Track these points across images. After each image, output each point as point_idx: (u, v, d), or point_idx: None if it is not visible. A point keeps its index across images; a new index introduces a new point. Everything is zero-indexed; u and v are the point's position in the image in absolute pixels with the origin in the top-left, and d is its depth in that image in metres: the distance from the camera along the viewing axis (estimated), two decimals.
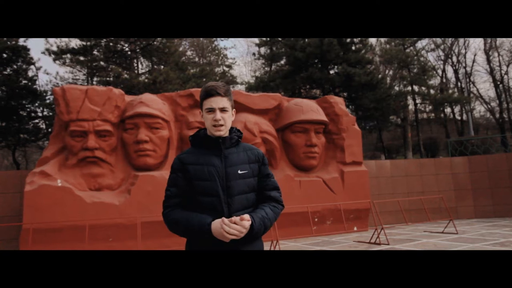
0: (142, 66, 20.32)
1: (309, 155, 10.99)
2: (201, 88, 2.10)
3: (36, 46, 26.65)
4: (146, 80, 16.33)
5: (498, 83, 25.62)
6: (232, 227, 1.76)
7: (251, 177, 2.00)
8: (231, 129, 2.06)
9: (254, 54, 25.19)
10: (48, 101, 16.54)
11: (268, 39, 22.47)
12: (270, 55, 23.12)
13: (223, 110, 1.96)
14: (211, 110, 1.96)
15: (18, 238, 8.64)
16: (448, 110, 26.42)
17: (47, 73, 31.78)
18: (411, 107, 24.45)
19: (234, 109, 2.08)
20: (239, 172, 1.95)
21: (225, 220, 1.79)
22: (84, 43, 16.69)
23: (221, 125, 1.95)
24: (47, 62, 45.33)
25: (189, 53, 28.03)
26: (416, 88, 22.86)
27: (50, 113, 16.44)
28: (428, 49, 25.78)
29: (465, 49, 27.67)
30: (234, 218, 1.79)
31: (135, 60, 18.62)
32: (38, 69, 17.20)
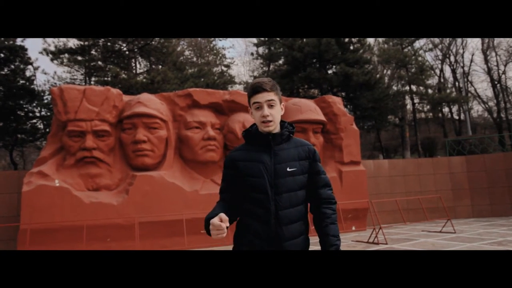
0: (140, 66, 20.30)
1: None
2: (248, 86, 2.11)
3: (33, 46, 26.59)
4: (144, 80, 16.30)
5: (496, 82, 25.70)
6: (213, 227, 1.77)
7: (301, 174, 1.98)
8: (283, 124, 2.05)
9: (252, 54, 25.20)
10: (45, 101, 16.49)
11: (266, 39, 22.46)
12: (268, 55, 23.12)
13: (270, 105, 1.95)
14: (259, 106, 1.96)
15: (15, 238, 8.61)
16: (446, 109, 26.48)
17: (45, 73, 31.68)
18: (409, 106, 24.51)
19: (283, 103, 2.06)
20: (288, 169, 1.95)
21: (214, 221, 1.78)
22: (82, 43, 16.65)
23: (270, 121, 1.95)
24: (44, 62, 45.23)
25: (187, 53, 27.99)
26: (414, 87, 22.90)
27: (48, 113, 16.40)
28: (426, 49, 25.85)
29: (463, 49, 27.79)
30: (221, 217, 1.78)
31: (133, 60, 18.59)
32: (35, 69, 17.14)
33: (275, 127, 1.99)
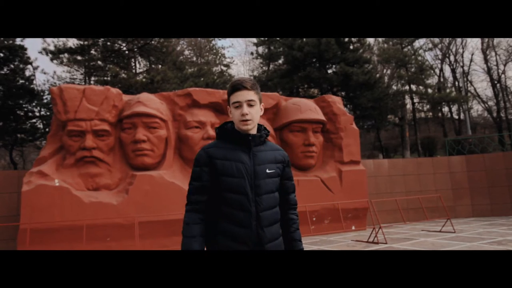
0: (140, 65, 20.28)
1: (307, 154, 11.00)
2: (228, 85, 2.09)
3: (33, 45, 26.53)
4: (144, 80, 16.29)
5: (496, 82, 25.70)
6: None
7: (277, 177, 1.99)
8: (260, 127, 2.03)
9: (252, 53, 25.19)
10: (45, 101, 16.48)
11: (266, 38, 22.45)
12: (268, 55, 23.11)
13: (250, 104, 1.93)
14: (239, 105, 1.93)
15: (15, 238, 8.61)
16: (445, 109, 26.49)
17: (45, 73, 31.67)
18: (408, 106, 24.50)
19: (262, 104, 2.04)
20: (267, 171, 1.94)
21: None
22: (82, 42, 16.63)
23: (249, 120, 1.92)
24: (44, 61, 45.20)
25: (186, 52, 27.98)
26: (413, 87, 22.90)
27: (48, 113, 16.38)
28: (425, 48, 25.85)
29: (463, 48, 27.76)
30: None
31: (132, 60, 18.58)
32: (35, 68, 17.12)
33: (253, 127, 1.96)
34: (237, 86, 1.93)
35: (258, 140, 1.98)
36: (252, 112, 1.93)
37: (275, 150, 2.04)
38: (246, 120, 1.91)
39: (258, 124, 2.02)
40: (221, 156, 1.91)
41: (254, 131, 1.98)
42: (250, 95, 1.93)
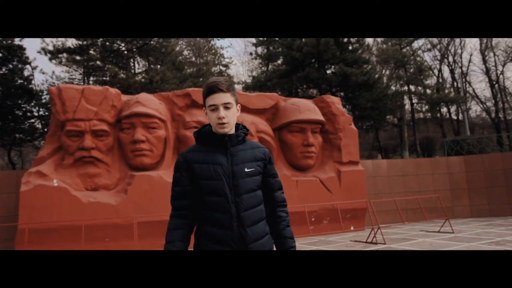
0: (139, 65, 20.27)
1: (306, 154, 11.00)
2: (203, 85, 2.04)
3: (32, 45, 26.55)
4: (142, 80, 16.28)
5: (494, 83, 25.74)
6: None
7: (258, 175, 1.96)
8: (237, 126, 2.01)
9: (251, 53, 25.21)
10: (44, 101, 16.46)
11: (265, 38, 22.47)
12: (267, 55, 23.12)
13: (226, 106, 1.90)
14: (215, 108, 1.90)
15: (13, 238, 8.59)
16: (444, 109, 26.55)
17: (43, 73, 31.59)
18: (407, 106, 24.54)
19: (239, 104, 2.02)
20: (246, 170, 1.91)
21: None
22: (81, 42, 16.62)
23: (225, 123, 1.90)
24: (43, 61, 45.13)
25: (186, 52, 27.98)
26: (412, 88, 22.94)
27: (46, 113, 16.36)
28: (424, 49, 25.90)
29: (461, 49, 27.80)
30: None
31: (131, 60, 18.56)
32: (34, 68, 17.10)
33: (230, 129, 1.94)
34: (213, 88, 1.90)
35: (236, 140, 1.96)
36: (228, 114, 1.91)
37: (254, 148, 2.01)
38: (223, 123, 1.90)
39: (236, 124, 2.00)
40: (199, 160, 1.91)
41: (232, 132, 1.96)
42: (226, 97, 1.90)
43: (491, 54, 26.32)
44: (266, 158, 2.02)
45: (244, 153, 1.95)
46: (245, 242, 1.85)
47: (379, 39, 24.58)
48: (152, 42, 17.60)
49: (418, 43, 26.49)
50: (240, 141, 1.98)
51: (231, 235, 1.84)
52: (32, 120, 16.87)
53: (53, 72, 27.29)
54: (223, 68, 27.49)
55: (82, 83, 18.14)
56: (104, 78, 17.01)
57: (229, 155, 1.92)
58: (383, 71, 25.15)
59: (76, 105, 9.03)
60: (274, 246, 2.03)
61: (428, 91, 22.79)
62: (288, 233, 2.02)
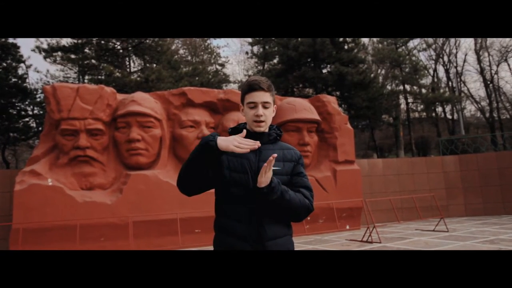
0: (134, 64, 20.19)
1: (302, 153, 10.98)
2: (244, 82, 2.01)
3: (26, 43, 26.33)
4: (138, 79, 16.23)
5: (488, 82, 25.93)
6: (243, 142, 1.73)
7: (284, 175, 1.95)
8: (271, 126, 2.02)
9: (247, 52, 25.19)
10: (38, 100, 16.36)
11: (261, 38, 22.45)
12: (263, 54, 23.11)
13: (265, 106, 1.92)
14: (253, 105, 1.92)
15: (8, 238, 8.53)
16: (439, 109, 26.67)
17: (38, 71, 31.25)
18: (403, 106, 24.64)
19: (275, 105, 2.03)
20: (272, 167, 1.88)
21: (238, 138, 1.75)
22: (76, 41, 16.52)
23: (262, 121, 1.92)
24: (37, 60, 44.82)
25: (181, 51, 27.91)
26: (408, 87, 23.04)
27: (41, 112, 16.26)
28: (419, 48, 26.01)
29: (456, 49, 27.97)
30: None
31: (127, 59, 18.48)
32: (28, 67, 17.00)
33: (265, 128, 1.96)
34: (254, 86, 1.91)
35: (267, 138, 1.97)
36: (266, 113, 1.93)
37: (285, 149, 2.03)
38: (260, 122, 1.92)
39: (271, 125, 2.02)
40: (229, 152, 1.89)
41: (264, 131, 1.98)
42: (266, 96, 1.92)
43: (486, 54, 26.50)
44: (296, 159, 2.03)
45: (273, 152, 1.94)
46: (261, 238, 1.84)
47: (374, 39, 24.66)
48: (147, 41, 17.54)
49: (414, 43, 26.60)
50: (272, 140, 1.99)
51: (248, 230, 1.84)
52: (27, 119, 16.76)
53: (48, 70, 27.04)
54: (219, 67, 27.43)
55: (77, 82, 18.04)
56: (99, 77, 16.92)
57: (258, 152, 1.92)
58: (379, 70, 25.23)
59: (71, 104, 8.98)
60: (293, 248, 1.99)
61: (423, 90, 22.91)
62: (293, 192, 1.91)
